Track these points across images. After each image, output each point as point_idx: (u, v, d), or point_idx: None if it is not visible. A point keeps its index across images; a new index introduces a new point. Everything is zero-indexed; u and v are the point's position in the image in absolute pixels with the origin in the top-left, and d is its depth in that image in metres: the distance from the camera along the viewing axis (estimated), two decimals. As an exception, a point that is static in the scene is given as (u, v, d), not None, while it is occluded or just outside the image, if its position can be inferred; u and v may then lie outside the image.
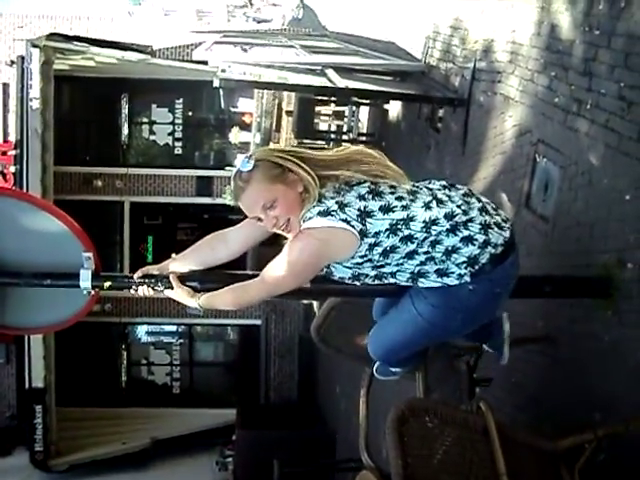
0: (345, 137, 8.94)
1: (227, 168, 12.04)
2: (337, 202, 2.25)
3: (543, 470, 2.37)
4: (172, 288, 2.63)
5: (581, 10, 3.54)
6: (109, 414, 12.24)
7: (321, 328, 3.13)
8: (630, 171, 2.99)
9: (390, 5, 8.37)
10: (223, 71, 5.46)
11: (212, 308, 2.60)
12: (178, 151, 13.14)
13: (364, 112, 8.92)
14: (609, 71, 3.24)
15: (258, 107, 9.36)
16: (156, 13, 18.29)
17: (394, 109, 7.61)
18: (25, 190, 10.27)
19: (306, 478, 7.84)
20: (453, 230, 2.29)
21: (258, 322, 12.76)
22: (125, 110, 12.70)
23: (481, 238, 2.31)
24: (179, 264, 2.68)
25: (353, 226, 2.22)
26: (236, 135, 11.22)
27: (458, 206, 2.33)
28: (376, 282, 2.40)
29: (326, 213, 2.23)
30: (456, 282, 2.34)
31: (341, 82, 5.67)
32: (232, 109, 12.22)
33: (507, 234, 2.38)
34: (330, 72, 6.07)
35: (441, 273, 2.34)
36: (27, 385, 10.63)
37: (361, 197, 2.27)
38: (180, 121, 12.99)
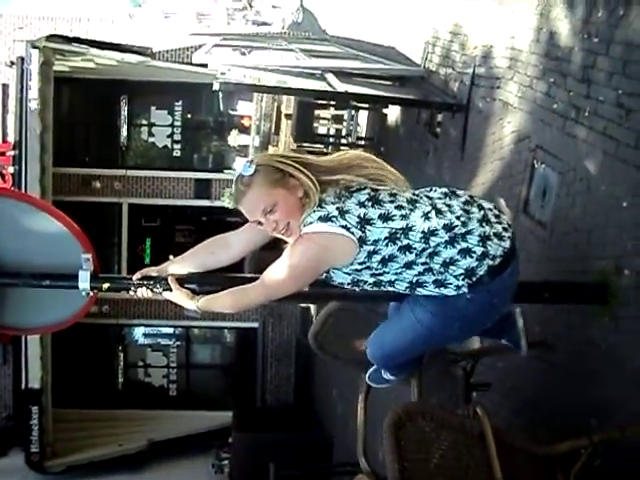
0: (344, 141, 8.97)
1: (226, 171, 12.08)
2: (337, 208, 2.26)
3: (539, 475, 2.38)
4: (170, 290, 2.64)
5: (580, 17, 3.56)
6: (106, 416, 12.22)
7: (319, 335, 3.14)
8: (628, 178, 3.00)
9: (390, 10, 8.39)
10: (223, 74, 5.47)
11: (210, 311, 2.61)
12: (177, 153, 13.14)
13: (363, 116, 8.95)
14: (607, 78, 3.26)
15: (257, 110, 9.37)
16: (156, 15, 18.34)
17: (393, 114, 7.63)
18: (24, 191, 10.29)
19: (302, 481, 7.85)
20: (451, 242, 2.30)
21: (255, 325, 12.76)
22: (124, 112, 12.70)
23: (479, 250, 2.32)
24: (178, 266, 2.69)
25: (352, 233, 2.23)
26: (235, 138, 11.24)
27: (457, 217, 2.34)
28: (375, 289, 2.42)
29: (326, 218, 2.24)
30: (454, 293, 2.35)
31: (341, 86, 5.69)
32: (231, 112, 12.23)
33: (507, 244, 2.38)
34: (330, 76, 6.08)
35: (439, 284, 2.35)
36: (23, 386, 10.60)
37: (361, 204, 2.29)
38: (179, 123, 12.99)
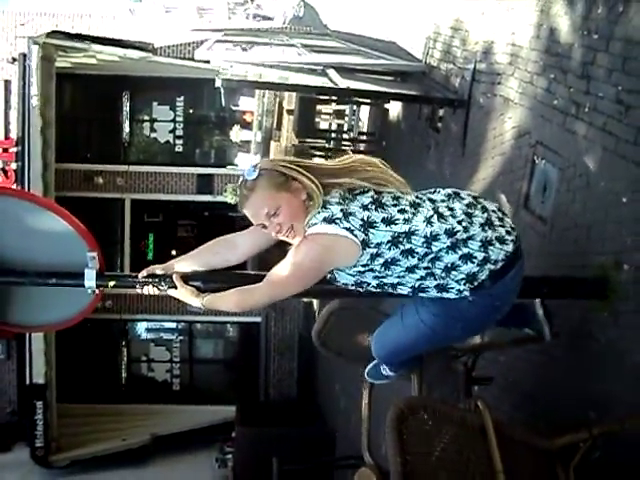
0: (345, 136, 9.00)
1: (229, 167, 12.12)
2: (342, 210, 2.29)
3: (539, 467, 2.41)
4: (176, 288, 2.68)
5: (580, 14, 3.58)
6: (109, 410, 12.30)
7: (321, 332, 3.20)
8: (627, 174, 3.03)
9: (391, 5, 8.40)
10: (225, 70, 5.49)
11: (215, 309, 2.65)
12: (179, 149, 13.18)
13: (365, 111, 8.97)
14: (607, 75, 3.28)
15: (259, 106, 9.40)
16: (157, 11, 18.32)
17: (395, 109, 7.64)
18: (27, 187, 10.33)
19: (305, 475, 7.90)
20: (453, 248, 2.33)
21: (258, 319, 12.81)
22: (126, 108, 12.73)
23: (480, 256, 2.35)
24: (184, 264, 2.72)
25: (356, 235, 2.26)
26: (237, 133, 11.26)
27: (459, 222, 2.35)
28: (378, 291, 2.45)
29: (330, 220, 2.27)
30: (455, 297, 2.39)
31: (342, 82, 5.71)
32: (233, 107, 12.25)
33: (509, 247, 2.39)
34: (331, 72, 6.10)
35: (441, 288, 2.39)
36: (28, 381, 10.68)
37: (364, 207, 2.32)
38: (181, 119, 13.03)
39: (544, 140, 3.91)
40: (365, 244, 2.28)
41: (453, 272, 2.35)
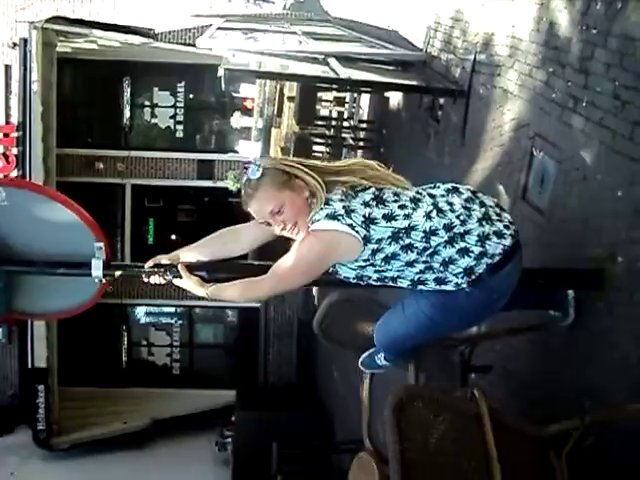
0: (346, 124, 9.04)
1: (230, 154, 12.16)
2: (344, 206, 2.36)
3: (532, 454, 2.50)
4: (181, 277, 2.76)
5: (579, 9, 3.62)
6: (110, 394, 12.41)
7: (322, 323, 3.30)
8: (622, 169, 3.09)
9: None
10: (227, 60, 5.53)
11: (220, 299, 2.73)
12: (180, 134, 13.20)
13: (365, 99, 9.00)
14: (605, 70, 3.33)
15: (260, 93, 9.43)
16: (158, -5, 18.20)
17: (395, 97, 7.68)
18: (28, 172, 10.38)
19: (304, 459, 8.02)
20: (450, 242, 2.40)
21: (257, 305, 12.89)
22: (127, 93, 12.74)
23: (477, 250, 2.42)
24: (189, 254, 2.79)
25: (357, 231, 2.34)
26: (238, 120, 11.28)
27: (457, 216, 2.43)
28: (379, 284, 2.53)
29: (333, 216, 2.34)
30: (453, 289, 2.47)
31: (343, 71, 5.74)
32: (234, 94, 12.26)
33: (507, 242, 2.46)
34: (332, 61, 6.13)
35: (439, 281, 2.46)
36: (30, 365, 10.78)
37: (366, 204, 2.39)
38: (182, 104, 13.04)
39: (542, 133, 3.97)
40: (366, 240, 2.36)
41: (451, 266, 2.43)
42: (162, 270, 2.80)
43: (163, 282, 2.81)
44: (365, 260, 2.41)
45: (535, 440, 2.50)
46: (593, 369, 3.14)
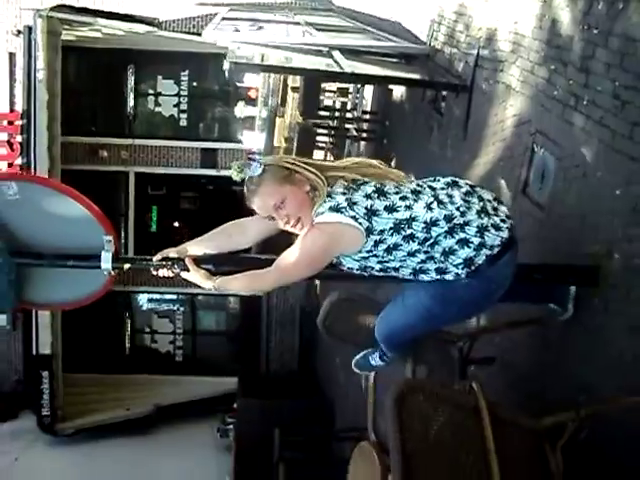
0: (349, 115, 9.08)
1: (234, 143, 12.17)
2: (347, 199, 2.44)
3: (529, 446, 2.57)
4: (188, 270, 2.83)
5: (581, 8, 3.66)
6: (114, 380, 12.52)
7: (325, 322, 3.42)
8: (621, 167, 3.15)
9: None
10: (232, 52, 5.58)
11: (226, 291, 2.81)
12: (183, 123, 13.23)
13: (369, 90, 9.04)
14: (606, 70, 3.38)
15: (264, 83, 9.47)
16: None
17: (398, 88, 7.71)
18: (33, 160, 10.43)
19: (306, 446, 8.13)
20: (450, 232, 2.47)
21: (259, 293, 12.97)
22: (131, 81, 12.76)
23: (476, 241, 2.49)
24: (197, 247, 2.87)
25: (360, 223, 2.41)
26: (242, 109, 11.31)
27: (457, 208, 2.50)
28: (382, 274, 2.60)
29: (336, 209, 2.42)
30: (452, 278, 2.54)
31: (347, 65, 5.79)
32: (238, 83, 12.29)
33: (505, 234, 2.54)
34: (336, 54, 6.18)
35: (440, 271, 2.54)
36: (34, 351, 10.88)
37: (368, 196, 2.46)
38: (186, 93, 13.07)
39: (544, 129, 4.02)
40: (369, 231, 2.43)
41: (451, 256, 2.50)
42: (170, 263, 2.88)
43: (171, 275, 2.89)
44: (368, 251, 2.49)
45: (531, 432, 2.57)
46: (588, 363, 3.21)
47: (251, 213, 2.72)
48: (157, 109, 13.21)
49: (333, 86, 9.41)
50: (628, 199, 3.09)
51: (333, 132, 8.91)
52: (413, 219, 2.45)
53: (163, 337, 13.68)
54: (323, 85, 8.90)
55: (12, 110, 11.39)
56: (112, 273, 2.97)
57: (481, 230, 2.50)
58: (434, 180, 2.64)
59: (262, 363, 13.05)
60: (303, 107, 8.09)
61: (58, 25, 10.29)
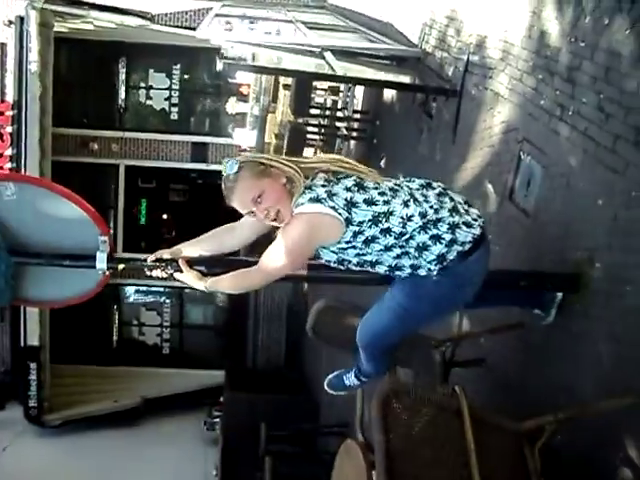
0: (340, 114, 9.15)
1: (224, 138, 12.20)
2: (326, 191, 2.54)
3: (508, 448, 2.67)
4: (181, 271, 2.92)
5: (569, 21, 3.75)
6: (101, 372, 12.59)
7: (314, 327, 3.56)
8: (603, 178, 3.24)
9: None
10: (225, 52, 5.64)
11: (217, 291, 2.90)
12: (174, 116, 13.27)
13: (360, 89, 9.10)
14: (591, 82, 3.46)
15: (256, 81, 9.52)
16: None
17: (389, 89, 7.78)
18: (23, 151, 10.43)
19: (292, 440, 8.22)
20: (424, 228, 2.59)
21: (247, 288, 13.01)
22: (123, 74, 12.79)
23: (448, 237, 2.61)
24: (190, 249, 2.97)
25: (340, 214, 2.51)
26: (233, 106, 11.36)
27: (431, 206, 2.63)
28: (358, 268, 2.71)
29: (316, 200, 2.51)
30: (425, 274, 2.66)
31: (339, 66, 5.86)
32: (230, 79, 12.33)
33: (476, 231, 2.67)
34: (328, 55, 6.24)
35: (414, 268, 2.66)
36: (22, 343, 10.90)
37: (348, 189, 2.57)
38: (177, 87, 13.11)
39: (530, 137, 4.11)
40: (348, 222, 2.53)
41: (425, 252, 2.61)
42: (164, 264, 2.95)
43: (165, 276, 2.96)
44: (347, 242, 2.58)
45: (511, 434, 2.67)
46: (569, 367, 3.31)
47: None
48: (148, 102, 13.23)
49: (325, 84, 9.48)
50: (609, 209, 3.18)
51: (324, 130, 8.98)
52: (390, 213, 2.56)
53: (151, 330, 13.74)
54: (315, 83, 8.97)
55: (3, 101, 11.34)
56: (107, 272, 3.05)
57: (452, 227, 2.62)
58: (410, 180, 2.76)
59: (249, 358, 13.14)
60: (294, 105, 8.16)
61: (51, 17, 10.28)
